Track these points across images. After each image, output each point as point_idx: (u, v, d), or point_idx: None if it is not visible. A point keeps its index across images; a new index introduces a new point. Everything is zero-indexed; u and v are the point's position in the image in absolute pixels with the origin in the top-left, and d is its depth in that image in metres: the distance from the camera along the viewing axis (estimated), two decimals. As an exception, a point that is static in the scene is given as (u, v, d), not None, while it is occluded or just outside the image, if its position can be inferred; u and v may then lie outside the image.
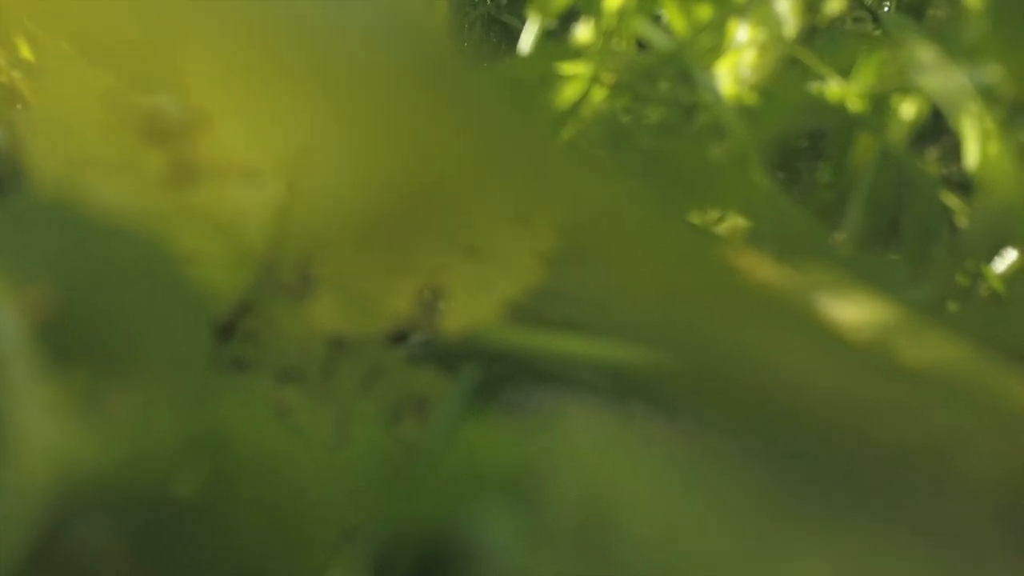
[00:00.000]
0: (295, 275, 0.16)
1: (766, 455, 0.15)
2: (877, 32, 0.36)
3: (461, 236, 0.16)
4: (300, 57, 0.14)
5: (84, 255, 0.15)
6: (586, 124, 0.31)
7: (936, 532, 0.14)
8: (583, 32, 0.33)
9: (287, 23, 0.13)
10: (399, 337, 0.17)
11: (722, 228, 0.28)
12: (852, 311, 0.15)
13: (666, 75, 0.31)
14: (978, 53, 0.26)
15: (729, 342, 0.15)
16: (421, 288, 0.16)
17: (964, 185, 0.30)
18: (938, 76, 0.27)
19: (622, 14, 0.32)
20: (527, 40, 0.33)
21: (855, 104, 0.31)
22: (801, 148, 0.35)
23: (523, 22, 0.34)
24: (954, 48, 0.27)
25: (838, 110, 0.31)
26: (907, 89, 0.31)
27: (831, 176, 0.33)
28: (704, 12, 0.32)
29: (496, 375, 0.17)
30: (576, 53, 0.32)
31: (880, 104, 0.31)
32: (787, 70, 0.31)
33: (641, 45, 0.33)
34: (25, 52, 0.20)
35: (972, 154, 0.26)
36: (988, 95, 0.26)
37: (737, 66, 0.31)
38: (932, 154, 0.34)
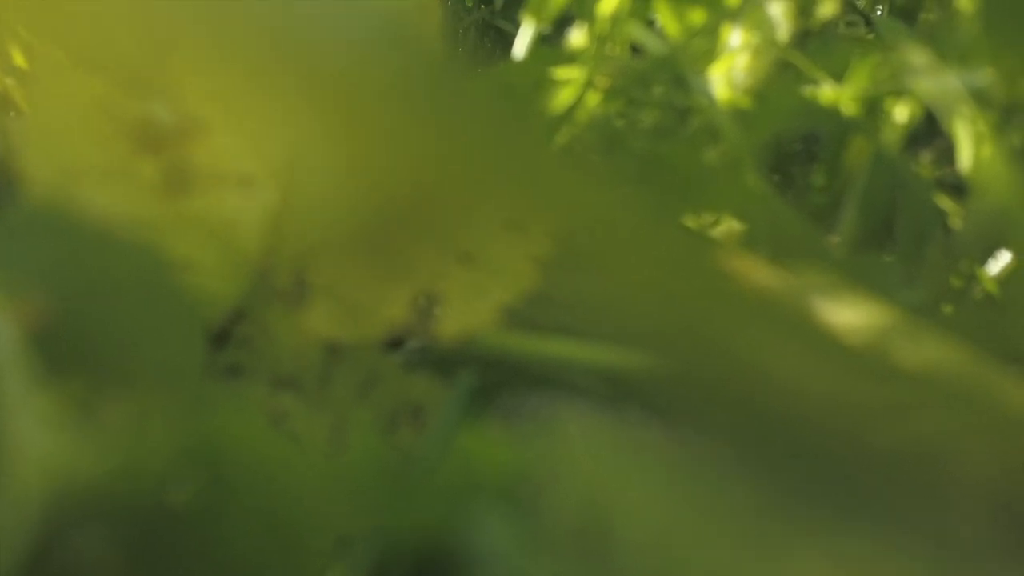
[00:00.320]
0: (290, 282, 0.16)
1: (762, 459, 0.15)
2: (870, 36, 0.36)
3: (456, 242, 0.16)
4: (293, 64, 0.14)
5: (78, 264, 0.15)
6: (580, 129, 0.31)
7: (933, 535, 0.14)
8: (577, 37, 0.33)
9: (280, 30, 0.13)
10: (395, 344, 0.17)
11: (716, 232, 0.28)
12: (847, 314, 0.15)
13: (660, 79, 0.31)
14: (970, 56, 0.27)
15: (724, 346, 0.15)
16: (416, 295, 0.16)
17: (958, 188, 0.30)
18: (931, 79, 0.27)
19: (616, 19, 0.32)
20: (521, 45, 0.33)
21: (848, 107, 0.31)
22: (795, 151, 0.35)
23: (517, 27, 0.34)
24: (947, 51, 0.27)
25: (832, 113, 0.31)
26: (900, 92, 0.31)
27: (825, 179, 0.33)
28: (697, 16, 0.32)
29: (492, 381, 0.17)
30: (570, 58, 0.32)
31: (873, 107, 0.31)
32: (780, 74, 0.31)
33: (635, 50, 0.33)
34: (18, 60, 0.20)
35: (965, 157, 0.26)
36: (981, 98, 0.26)
37: (731, 70, 0.31)
38: (926, 157, 0.34)
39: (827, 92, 0.31)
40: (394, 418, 0.17)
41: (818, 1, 0.34)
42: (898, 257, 0.29)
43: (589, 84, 0.31)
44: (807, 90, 0.31)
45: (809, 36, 0.34)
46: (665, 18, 0.32)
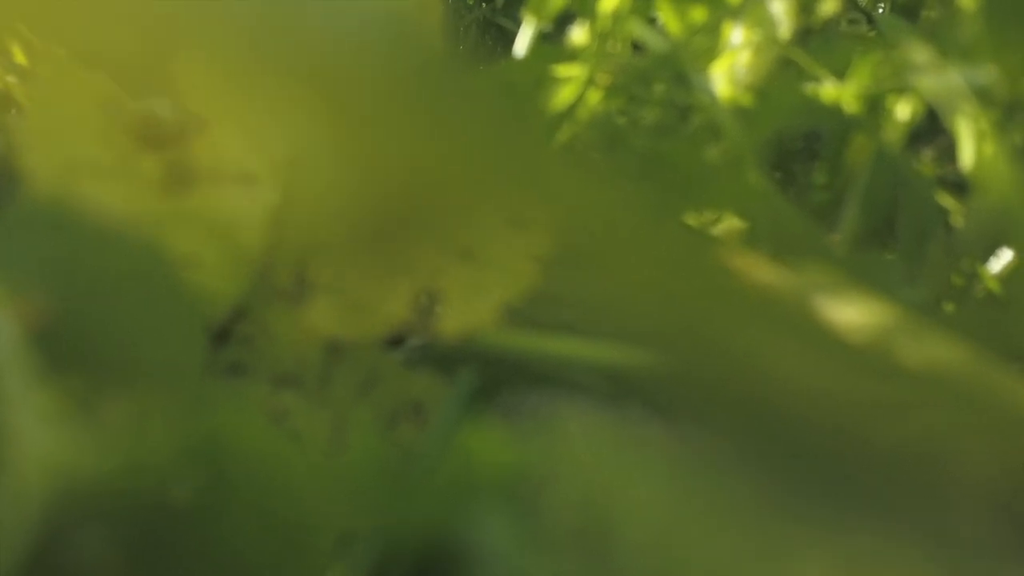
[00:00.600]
0: (291, 280, 0.16)
1: (763, 457, 0.15)
2: (872, 33, 0.36)
3: (457, 240, 0.16)
4: (295, 62, 0.13)
5: (79, 262, 0.15)
6: (581, 127, 0.31)
7: (934, 532, 0.14)
8: (578, 35, 0.33)
9: (282, 28, 0.13)
10: (395, 341, 0.17)
11: (718, 229, 0.28)
12: (848, 312, 0.15)
13: (661, 77, 0.31)
14: (972, 54, 0.26)
15: (725, 343, 0.15)
16: (417, 292, 0.16)
17: (959, 185, 0.30)
18: (933, 77, 0.27)
19: (617, 16, 0.32)
20: (522, 43, 0.33)
21: (850, 105, 0.31)
22: (796, 149, 0.35)
23: (518, 25, 0.34)
24: (949, 49, 0.27)
25: (833, 111, 0.31)
26: (902, 90, 0.31)
27: (827, 177, 0.33)
28: (699, 14, 0.32)
29: (493, 379, 0.17)
30: (571, 55, 0.32)
31: (875, 105, 0.31)
32: (782, 71, 0.31)
33: (636, 47, 0.33)
34: (20, 57, 0.20)
35: (967, 154, 0.26)
36: (983, 95, 0.26)
37: (732, 67, 0.31)
38: (927, 155, 0.34)
39: (829, 90, 0.31)
40: (395, 416, 0.17)
41: (820, -2, 0.34)
42: (900, 255, 0.29)
43: (590, 82, 0.31)
44: (809, 88, 0.31)
45: (811, 33, 0.34)
46: (666, 15, 0.32)
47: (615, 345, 0.17)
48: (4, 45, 0.20)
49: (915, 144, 0.33)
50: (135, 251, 0.15)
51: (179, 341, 0.15)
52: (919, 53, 0.28)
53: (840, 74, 0.31)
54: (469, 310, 0.16)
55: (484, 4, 0.53)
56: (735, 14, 0.31)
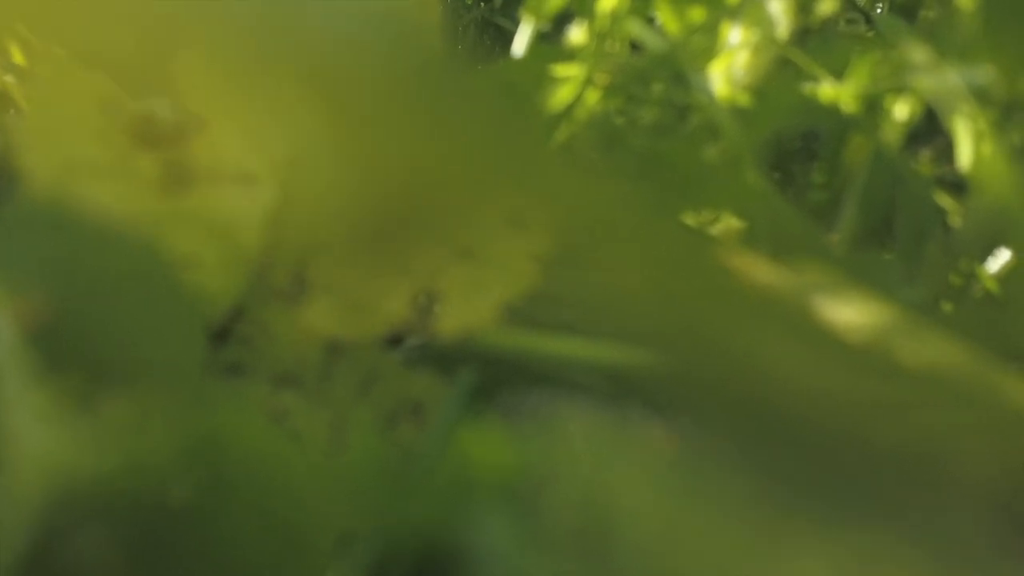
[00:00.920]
0: (290, 279, 0.16)
1: (763, 457, 0.15)
2: (870, 33, 0.36)
3: (456, 239, 0.16)
4: (293, 61, 0.13)
5: (77, 261, 0.15)
6: (580, 126, 0.31)
7: (933, 532, 0.14)
8: (577, 34, 0.33)
9: (281, 28, 0.13)
10: (395, 341, 0.17)
11: (716, 229, 0.28)
12: (847, 311, 0.15)
13: (660, 76, 0.31)
14: (971, 54, 0.27)
15: (724, 343, 0.15)
16: (416, 292, 0.16)
17: (957, 185, 0.30)
18: (931, 77, 0.27)
19: (615, 16, 0.32)
20: (521, 43, 0.33)
21: (848, 105, 0.31)
22: (795, 149, 0.35)
23: (516, 24, 0.34)
24: (947, 49, 0.27)
25: (831, 111, 0.31)
26: (900, 90, 0.31)
27: (825, 177, 0.33)
28: (697, 14, 0.32)
29: (492, 378, 0.17)
30: (570, 55, 0.32)
31: (873, 105, 0.31)
32: (780, 71, 0.31)
33: (634, 47, 0.33)
34: (18, 57, 0.20)
35: (965, 154, 0.26)
36: (981, 96, 0.26)
37: (730, 67, 0.31)
38: (925, 155, 0.34)
39: (827, 90, 0.31)
40: (394, 416, 0.17)
41: (818, -2, 0.34)
42: (898, 255, 0.29)
43: (589, 81, 0.31)
44: (807, 87, 0.31)
45: (809, 33, 0.34)
46: (665, 15, 0.32)
47: (615, 345, 0.17)
48: (3, 45, 0.20)
49: (913, 144, 0.33)
50: (134, 251, 0.15)
51: (178, 341, 0.15)
52: (917, 53, 0.28)
53: (838, 74, 0.31)
54: (469, 310, 0.16)
55: (482, 4, 0.53)
56: (733, 14, 0.31)
